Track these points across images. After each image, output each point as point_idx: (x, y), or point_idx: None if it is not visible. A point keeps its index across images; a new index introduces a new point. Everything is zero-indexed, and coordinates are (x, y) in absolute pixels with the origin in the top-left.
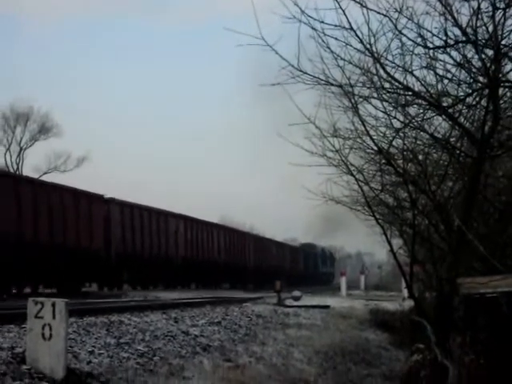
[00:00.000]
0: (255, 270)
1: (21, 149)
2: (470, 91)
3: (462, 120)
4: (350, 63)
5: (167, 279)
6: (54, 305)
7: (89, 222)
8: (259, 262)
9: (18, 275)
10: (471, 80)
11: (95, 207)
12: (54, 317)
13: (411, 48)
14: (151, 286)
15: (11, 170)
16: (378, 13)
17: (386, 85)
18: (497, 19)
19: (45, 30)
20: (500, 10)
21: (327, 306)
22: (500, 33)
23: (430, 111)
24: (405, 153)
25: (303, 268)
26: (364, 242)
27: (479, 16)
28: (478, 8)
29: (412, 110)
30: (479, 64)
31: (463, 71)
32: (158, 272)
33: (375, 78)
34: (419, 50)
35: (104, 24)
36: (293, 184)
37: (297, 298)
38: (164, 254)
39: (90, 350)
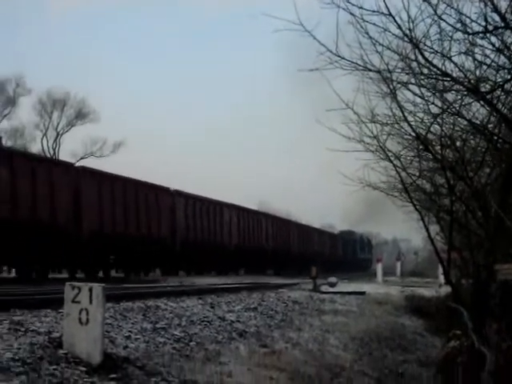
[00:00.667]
0: (298, 256)
1: (57, 134)
2: (509, 77)
3: (500, 106)
4: (389, 49)
5: (220, 266)
6: (90, 290)
7: (158, 213)
8: (302, 248)
9: (99, 262)
10: (510, 66)
11: (163, 199)
12: (90, 302)
13: (450, 34)
14: (205, 272)
15: (48, 155)
16: None
17: (425, 70)
18: None
19: (88, 13)
20: None
21: (363, 292)
22: None
23: (468, 97)
24: (442, 139)
25: (342, 254)
26: (400, 228)
27: None
28: None
29: (450, 96)
30: None
31: (502, 57)
32: (214, 259)
33: (413, 64)
34: (458, 35)
35: (132, 12)
36: (330, 170)
37: (333, 284)
38: (219, 242)
39: (126, 335)
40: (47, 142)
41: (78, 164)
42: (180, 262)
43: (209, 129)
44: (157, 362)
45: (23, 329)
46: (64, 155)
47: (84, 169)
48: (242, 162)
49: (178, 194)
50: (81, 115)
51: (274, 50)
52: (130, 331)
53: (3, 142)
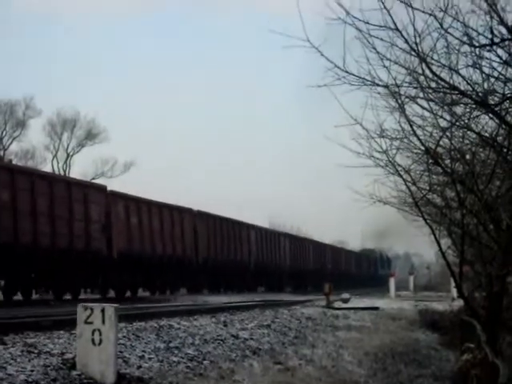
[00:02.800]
0: (315, 274)
1: (68, 155)
2: None
3: (509, 118)
4: (396, 63)
5: (240, 283)
6: (103, 310)
7: (181, 233)
8: (318, 266)
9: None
10: None
11: (186, 219)
12: (103, 322)
13: (457, 47)
14: (227, 290)
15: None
16: (424, 12)
17: (432, 84)
18: None
19: (90, 33)
20: None
21: (376, 308)
22: None
23: (476, 110)
24: (452, 152)
25: (366, 271)
26: (412, 242)
27: None
28: None
29: (458, 109)
30: None
31: (510, 69)
32: (234, 277)
33: (421, 78)
34: (465, 48)
35: (143, 24)
36: (339, 186)
37: (346, 300)
38: (239, 261)
39: (139, 354)
40: (57, 163)
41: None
42: (202, 281)
43: (218, 142)
44: (171, 381)
45: (36, 351)
46: (74, 176)
47: (113, 193)
48: (250, 180)
49: (200, 214)
50: (91, 135)
51: (282, 67)
52: (143, 351)
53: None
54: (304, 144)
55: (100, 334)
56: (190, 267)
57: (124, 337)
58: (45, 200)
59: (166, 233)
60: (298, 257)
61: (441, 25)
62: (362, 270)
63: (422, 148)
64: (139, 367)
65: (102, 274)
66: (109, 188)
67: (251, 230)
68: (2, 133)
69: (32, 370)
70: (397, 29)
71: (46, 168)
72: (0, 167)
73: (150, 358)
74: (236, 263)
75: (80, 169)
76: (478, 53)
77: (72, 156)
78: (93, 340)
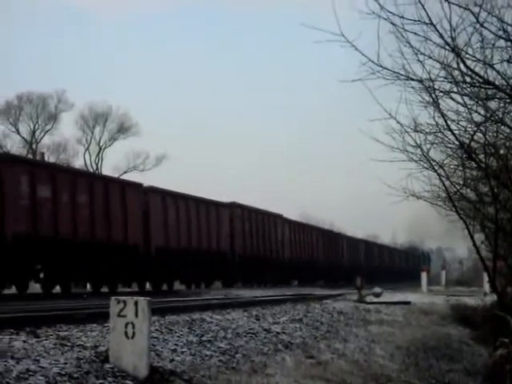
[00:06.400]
0: (348, 268)
1: (100, 148)
2: None
3: None
4: (430, 58)
5: (273, 277)
6: (136, 303)
7: (219, 228)
8: (352, 260)
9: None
10: None
11: (222, 213)
12: (136, 315)
13: (492, 41)
14: (261, 284)
15: (90, 170)
16: (459, 6)
17: (467, 79)
18: None
19: (121, 27)
20: None
21: (408, 302)
22: None
23: (511, 104)
24: (486, 147)
25: (410, 266)
26: (444, 237)
27: None
28: None
29: (493, 104)
30: None
31: None
32: (269, 271)
33: (456, 73)
34: (500, 43)
35: (173, 20)
36: (372, 179)
37: (377, 295)
38: (274, 255)
39: (172, 348)
40: (90, 156)
41: (123, 178)
42: (237, 274)
43: (250, 135)
44: (203, 375)
45: (69, 343)
46: (107, 170)
47: (151, 188)
48: (281, 172)
49: (236, 207)
50: (123, 129)
51: (316, 61)
52: (175, 344)
53: (45, 157)
54: (336, 139)
55: (133, 327)
56: (225, 261)
57: (157, 330)
58: (85, 197)
59: (202, 227)
60: (332, 251)
61: (476, 19)
62: (398, 265)
63: (456, 143)
64: (172, 360)
65: (140, 267)
66: (143, 182)
67: (285, 223)
68: (35, 126)
69: (65, 363)
70: (431, 23)
71: (79, 161)
72: (42, 166)
73: (182, 352)
74: (270, 257)
75: (112, 162)
76: None
77: (104, 149)
78: (126, 333)
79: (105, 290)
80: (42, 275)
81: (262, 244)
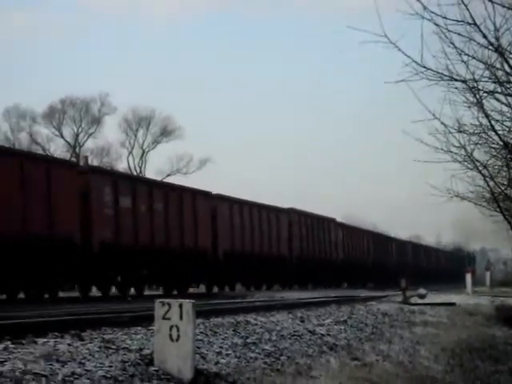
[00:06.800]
0: (396, 270)
1: (143, 151)
2: None
3: None
4: (474, 58)
5: (328, 279)
6: (181, 306)
7: (278, 232)
8: (399, 262)
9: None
10: None
11: (282, 218)
12: (181, 318)
13: None
14: (264, 286)
15: (134, 173)
16: (503, 6)
17: (511, 79)
18: None
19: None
20: None
21: (453, 304)
22: None
23: None
24: None
25: (455, 268)
26: (489, 237)
27: None
28: None
29: None
30: None
31: None
32: (322, 273)
33: (499, 73)
34: None
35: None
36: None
37: (422, 296)
38: (328, 258)
39: (217, 350)
40: (133, 159)
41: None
42: (294, 277)
43: (293, 138)
44: (248, 377)
45: (114, 346)
46: (150, 173)
47: (219, 196)
48: (327, 175)
49: (294, 213)
50: (166, 132)
51: (359, 62)
52: (220, 346)
53: (89, 161)
54: (378, 140)
55: (178, 330)
56: (284, 264)
57: (201, 332)
58: (161, 206)
59: (264, 232)
60: (381, 253)
61: None
62: (443, 266)
63: (501, 143)
64: (216, 363)
65: (208, 271)
66: (191, 185)
67: (339, 227)
68: (78, 129)
69: (110, 366)
70: (475, 23)
71: (122, 164)
72: (124, 177)
73: (227, 354)
74: (324, 260)
75: (155, 165)
76: None
77: (147, 152)
78: (170, 336)
79: (147, 292)
80: (119, 279)
81: (317, 247)
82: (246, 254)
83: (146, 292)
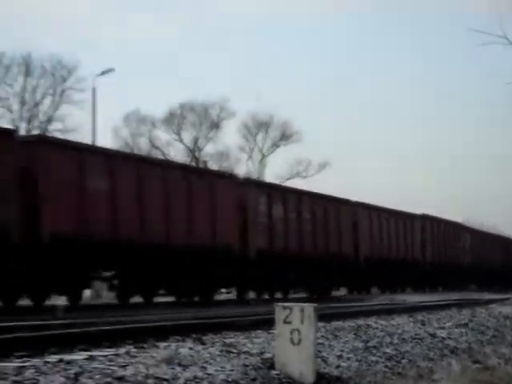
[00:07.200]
0: (503, 271)
1: (263, 156)
2: None
3: None
4: None
5: (456, 282)
6: (302, 310)
7: (412, 238)
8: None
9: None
10: None
11: (415, 224)
12: (302, 322)
13: None
14: (399, 290)
15: (254, 177)
16: None
17: None
18: None
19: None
20: None
21: None
22: None
23: None
24: None
25: None
26: None
27: None
28: None
29: None
30: None
31: None
32: (452, 276)
33: None
34: None
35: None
36: None
37: None
38: (457, 262)
39: (338, 354)
40: (252, 163)
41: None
42: (427, 280)
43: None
44: (369, 381)
45: (235, 350)
46: (269, 177)
47: (360, 203)
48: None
49: (426, 219)
50: (284, 137)
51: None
52: (341, 350)
53: (208, 165)
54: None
55: (299, 334)
56: (417, 268)
57: (322, 336)
58: (308, 214)
59: (400, 238)
60: (508, 257)
61: None
62: None
63: None
64: (338, 366)
65: (350, 276)
66: (312, 189)
67: (466, 231)
68: (197, 134)
69: (231, 370)
70: None
71: (241, 169)
72: (276, 188)
73: (348, 358)
74: (454, 263)
75: (272, 169)
76: None
77: (266, 157)
78: (291, 339)
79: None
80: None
81: (448, 252)
82: (384, 259)
83: (266, 296)
